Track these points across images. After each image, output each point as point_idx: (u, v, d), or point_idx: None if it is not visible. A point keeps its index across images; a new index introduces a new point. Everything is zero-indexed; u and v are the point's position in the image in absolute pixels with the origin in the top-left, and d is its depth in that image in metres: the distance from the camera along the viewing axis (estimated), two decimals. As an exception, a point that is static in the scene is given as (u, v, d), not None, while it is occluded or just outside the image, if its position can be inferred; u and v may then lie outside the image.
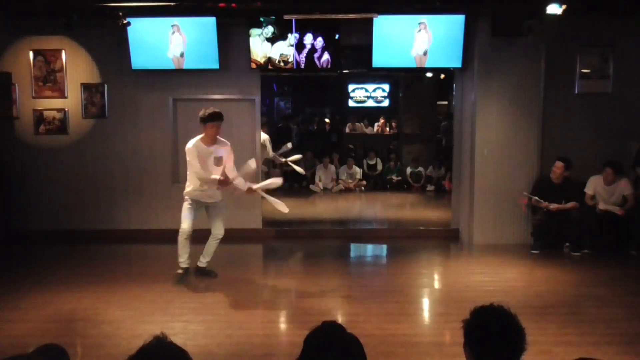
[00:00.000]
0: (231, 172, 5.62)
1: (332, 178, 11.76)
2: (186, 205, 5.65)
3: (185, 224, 5.62)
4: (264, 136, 9.26)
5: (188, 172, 5.63)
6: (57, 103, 7.62)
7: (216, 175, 5.47)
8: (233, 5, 6.65)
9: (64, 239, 7.44)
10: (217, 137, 5.60)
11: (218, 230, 5.75)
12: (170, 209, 7.70)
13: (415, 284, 5.94)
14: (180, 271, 5.67)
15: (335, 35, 7.22)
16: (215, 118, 5.48)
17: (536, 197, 6.73)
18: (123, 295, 5.32)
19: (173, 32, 7.22)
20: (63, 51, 7.53)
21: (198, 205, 5.67)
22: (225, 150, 5.65)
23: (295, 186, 11.85)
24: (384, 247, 7.56)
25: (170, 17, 7.16)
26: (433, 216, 9.21)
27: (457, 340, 2.06)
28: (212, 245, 5.77)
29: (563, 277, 5.94)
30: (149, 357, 1.63)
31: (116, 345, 4.16)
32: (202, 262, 5.81)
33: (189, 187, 5.63)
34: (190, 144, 5.53)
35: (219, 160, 5.57)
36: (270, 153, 9.35)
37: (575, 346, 4.08)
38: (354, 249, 7.63)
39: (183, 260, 5.67)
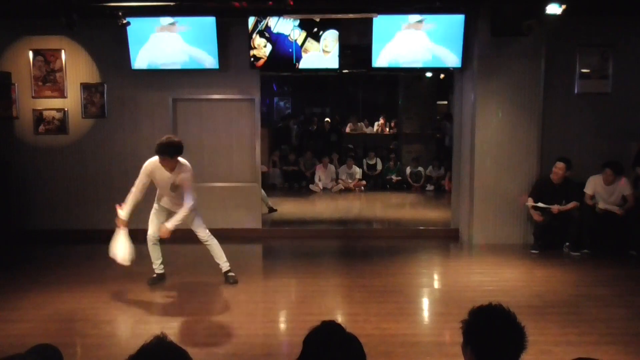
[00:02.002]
0: (187, 199, 5.31)
1: (331, 178, 11.76)
2: (152, 210, 5.64)
3: (150, 229, 5.62)
4: None
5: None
6: (57, 103, 7.62)
7: (121, 212, 5.44)
8: (237, 4, 6.62)
9: (63, 239, 7.44)
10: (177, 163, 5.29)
11: (202, 235, 5.62)
12: (170, 209, 7.71)
13: (414, 283, 5.94)
14: (154, 275, 5.69)
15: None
16: (160, 152, 5.16)
17: (543, 205, 6.70)
18: (123, 294, 5.32)
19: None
20: (63, 51, 7.53)
21: (164, 210, 5.57)
22: (183, 177, 5.27)
23: (295, 186, 11.86)
24: (384, 247, 7.55)
25: (170, 17, 7.16)
26: (433, 216, 9.21)
27: (456, 339, 2.06)
28: (211, 249, 5.66)
29: (563, 277, 5.94)
30: (149, 357, 1.63)
31: (116, 345, 4.16)
32: (222, 266, 5.68)
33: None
34: (147, 162, 5.33)
35: (175, 187, 5.33)
36: None
37: (575, 346, 4.08)
38: (354, 249, 7.62)
39: (156, 265, 5.68)
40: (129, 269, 6.36)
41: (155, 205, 5.63)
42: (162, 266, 5.71)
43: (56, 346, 2.24)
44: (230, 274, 5.68)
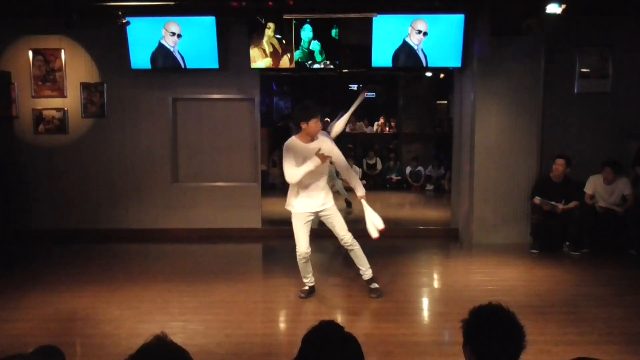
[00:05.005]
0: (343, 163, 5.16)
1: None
2: (295, 223, 5.04)
3: (302, 245, 5.02)
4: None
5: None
6: (57, 102, 7.61)
7: (311, 164, 4.82)
8: (234, 4, 6.64)
9: (63, 239, 7.44)
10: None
11: (342, 236, 5.12)
12: (170, 209, 7.73)
13: (414, 283, 5.94)
14: (306, 288, 5.24)
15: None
16: (316, 114, 4.90)
17: (552, 202, 6.68)
18: (123, 294, 5.32)
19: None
20: (62, 50, 7.53)
21: (307, 217, 5.05)
22: (325, 146, 4.99)
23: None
24: (384, 246, 7.54)
25: (170, 17, 7.16)
26: (432, 215, 9.21)
27: (456, 339, 2.06)
28: (354, 254, 5.20)
29: (562, 276, 5.94)
30: (149, 357, 1.63)
31: (116, 345, 4.16)
32: (364, 273, 5.22)
33: (290, 197, 5.06)
34: (288, 142, 4.96)
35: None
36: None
37: (574, 345, 4.08)
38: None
39: (308, 279, 5.23)
40: (128, 268, 6.39)
41: (295, 217, 5.05)
42: (313, 278, 5.25)
43: (60, 348, 2.24)
44: (372, 285, 5.22)
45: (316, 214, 5.08)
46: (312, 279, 5.28)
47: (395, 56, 7.16)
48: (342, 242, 5.17)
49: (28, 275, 6.01)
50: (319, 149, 4.89)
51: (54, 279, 5.82)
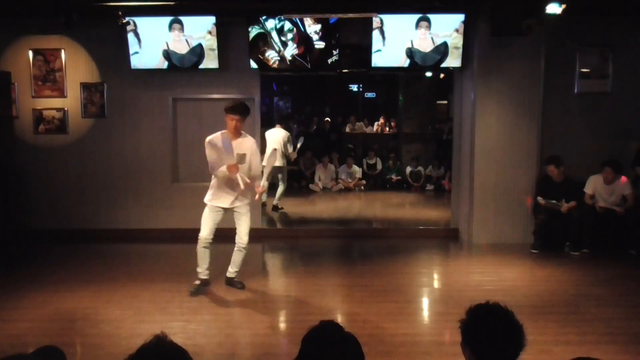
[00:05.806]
0: (257, 172, 5.31)
1: (331, 177, 11.76)
2: (205, 211, 5.25)
3: (204, 231, 5.21)
4: (284, 133, 9.15)
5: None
6: (57, 102, 7.61)
7: (224, 169, 5.04)
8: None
9: (63, 239, 7.44)
10: (241, 132, 5.22)
11: (242, 237, 5.30)
12: (169, 209, 7.72)
13: (414, 283, 5.94)
14: (197, 282, 5.32)
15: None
16: (233, 110, 5.08)
17: (554, 201, 6.69)
18: (123, 294, 5.32)
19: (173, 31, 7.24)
20: (62, 50, 7.53)
21: (217, 210, 5.24)
22: (249, 147, 5.21)
23: (295, 186, 11.86)
24: (384, 246, 7.55)
25: (170, 16, 7.16)
26: (432, 215, 9.21)
27: (456, 339, 2.06)
28: (237, 255, 5.39)
29: (563, 276, 5.94)
30: (149, 357, 1.63)
31: (116, 345, 4.16)
32: (231, 272, 5.49)
33: (209, 189, 5.29)
34: (209, 137, 5.17)
35: (242, 158, 5.08)
36: (290, 150, 9.29)
37: (575, 345, 4.09)
38: (354, 249, 7.63)
39: (202, 270, 5.30)
40: (128, 268, 6.39)
41: (210, 203, 5.24)
42: (207, 272, 5.33)
43: (61, 348, 2.24)
44: (234, 279, 5.53)
45: (227, 210, 5.27)
46: (208, 272, 5.34)
47: (396, 56, 7.16)
48: (238, 241, 5.34)
49: (28, 275, 6.01)
50: (244, 154, 5.08)
51: (54, 279, 5.82)
